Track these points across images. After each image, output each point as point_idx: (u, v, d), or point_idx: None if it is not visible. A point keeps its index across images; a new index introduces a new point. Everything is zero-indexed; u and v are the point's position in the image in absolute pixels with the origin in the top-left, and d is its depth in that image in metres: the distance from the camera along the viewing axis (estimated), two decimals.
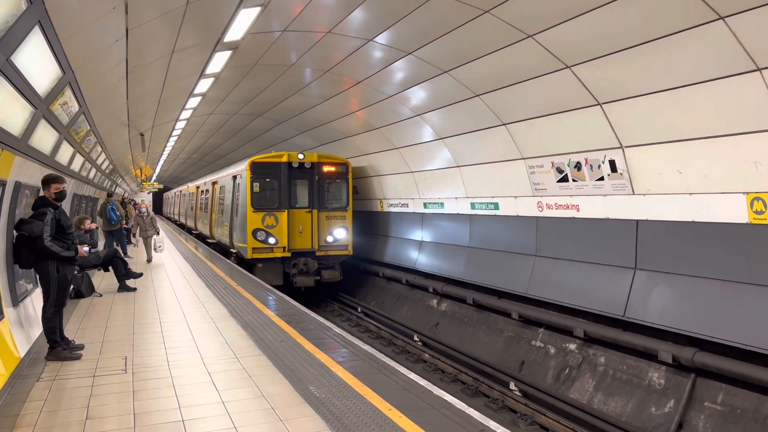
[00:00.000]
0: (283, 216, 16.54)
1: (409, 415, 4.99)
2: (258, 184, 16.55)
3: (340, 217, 17.29)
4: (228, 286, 12.50)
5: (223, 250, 21.44)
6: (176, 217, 46.03)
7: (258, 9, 8.44)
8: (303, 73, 12.93)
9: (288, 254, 16.44)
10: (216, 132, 23.29)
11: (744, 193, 7.18)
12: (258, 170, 16.63)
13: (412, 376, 6.13)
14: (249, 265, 16.63)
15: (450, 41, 9.37)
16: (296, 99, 15.53)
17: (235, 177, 18.54)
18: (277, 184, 16.64)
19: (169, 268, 15.75)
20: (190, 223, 33.46)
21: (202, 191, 27.89)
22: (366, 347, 7.32)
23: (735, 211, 7.35)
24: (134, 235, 18.28)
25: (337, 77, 12.85)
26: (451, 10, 8.29)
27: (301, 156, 16.85)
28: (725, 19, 6.20)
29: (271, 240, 16.30)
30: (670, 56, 7.13)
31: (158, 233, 17.93)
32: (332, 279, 16.90)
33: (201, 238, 27.94)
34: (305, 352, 7.08)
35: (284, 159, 16.74)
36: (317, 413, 5.06)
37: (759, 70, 6.35)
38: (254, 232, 16.20)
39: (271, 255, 16.28)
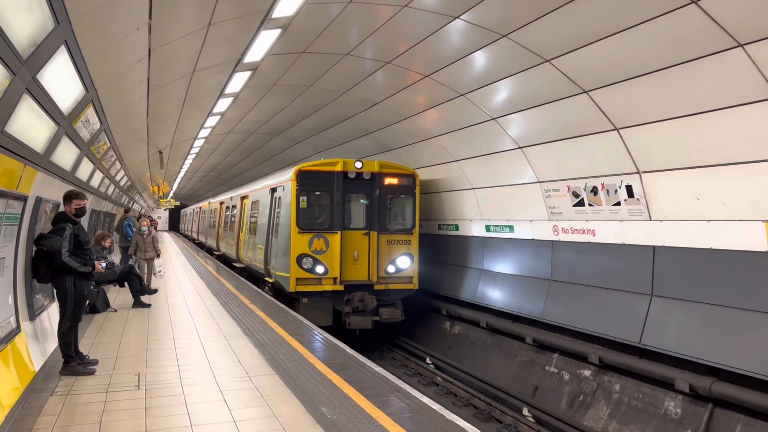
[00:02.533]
0: (335, 239, 13.34)
1: None
2: (305, 198, 13.41)
3: (404, 241, 13.96)
4: (241, 303, 12.51)
5: (252, 276, 18.39)
6: (194, 236, 42.64)
7: (278, 31, 8.58)
8: (320, 94, 13.06)
9: (340, 287, 13.27)
10: (233, 150, 23.54)
11: (763, 221, 7.10)
12: (306, 180, 13.44)
13: (425, 399, 6.08)
14: (290, 299, 13.72)
15: (467, 65, 9.44)
16: (314, 119, 15.68)
17: (274, 190, 15.39)
18: (328, 199, 13.52)
19: (184, 286, 15.79)
20: (212, 243, 29.92)
21: (228, 207, 24.46)
22: (378, 369, 7.28)
23: (754, 239, 7.27)
24: (131, 256, 15.79)
25: (355, 99, 12.97)
26: (469, 35, 8.36)
27: (358, 164, 13.61)
28: (744, 46, 6.20)
29: (320, 269, 13.20)
30: (688, 82, 7.12)
31: (159, 255, 15.53)
32: (392, 319, 13.63)
33: (225, 261, 24.80)
34: (317, 372, 7.05)
35: (338, 167, 13.53)
36: None
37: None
38: (299, 259, 13.10)
39: (319, 288, 13.20)
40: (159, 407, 5.73)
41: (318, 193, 13.63)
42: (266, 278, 15.37)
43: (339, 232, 13.40)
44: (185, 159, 25.65)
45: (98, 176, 12.34)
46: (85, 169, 9.99)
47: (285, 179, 14.19)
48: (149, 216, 40.54)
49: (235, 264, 21.15)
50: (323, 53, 10.13)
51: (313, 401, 5.91)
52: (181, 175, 34.55)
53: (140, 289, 12.01)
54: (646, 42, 7.02)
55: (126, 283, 12.09)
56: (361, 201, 13.89)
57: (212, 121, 15.68)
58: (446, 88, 10.67)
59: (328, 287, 13.25)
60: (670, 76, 7.21)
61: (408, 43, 9.26)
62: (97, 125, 8.36)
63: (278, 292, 14.39)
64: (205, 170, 33.69)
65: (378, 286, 13.61)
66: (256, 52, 9.41)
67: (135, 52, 7.05)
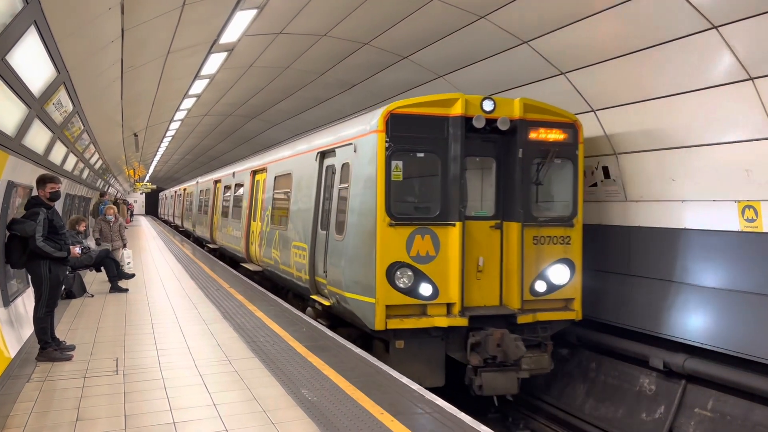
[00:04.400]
0: (452, 236, 7.79)
1: (401, 419, 4.99)
2: (401, 162, 7.79)
3: (559, 239, 8.39)
4: (220, 288, 12.45)
5: (270, 281, 13.43)
6: (177, 221, 36.33)
7: (254, 11, 8.46)
8: (297, 76, 12.94)
9: (463, 321, 7.74)
10: (210, 133, 23.30)
11: (735, 201, 7.23)
12: (403, 133, 7.75)
13: (405, 380, 6.13)
14: (365, 336, 8.50)
15: (446, 46, 9.42)
16: (291, 101, 15.56)
17: (326, 154, 9.57)
18: (438, 166, 7.93)
19: (162, 271, 15.67)
20: (202, 233, 23.83)
21: (227, 187, 18.92)
22: (359, 351, 7.32)
23: (726, 219, 7.40)
24: (99, 239, 13.73)
25: (333, 80, 12.88)
26: (448, 15, 8.33)
27: (488, 104, 7.86)
28: (719, 28, 6.26)
29: (425, 289, 7.73)
30: (663, 64, 7.18)
31: (125, 245, 13.93)
32: (538, 370, 8.21)
33: (221, 255, 19.66)
34: (297, 354, 7.07)
35: (456, 109, 7.77)
36: (309, 416, 5.05)
37: (751, 79, 6.40)
38: (392, 271, 7.63)
39: (424, 322, 7.73)
40: (138, 392, 5.71)
41: (421, 154, 8.01)
42: (314, 296, 9.52)
43: (459, 224, 7.74)
44: (161, 142, 25.35)
45: (72, 160, 12.14)
46: (58, 153, 9.82)
47: (358, 132, 8.34)
48: (124, 200, 40.03)
49: (245, 265, 15.02)
50: (300, 34, 10.03)
51: (294, 383, 5.93)
52: (157, 158, 34.16)
53: (117, 273, 11.89)
54: (623, 24, 7.06)
55: (102, 268, 11.97)
56: (490, 168, 8.44)
57: (188, 103, 15.49)
58: (425, 70, 10.64)
59: (441, 321, 7.71)
60: (646, 57, 7.26)
61: (386, 23, 9.19)
62: (70, 108, 8.21)
63: (336, 320, 9.19)
64: (182, 153, 33.34)
65: (523, 317, 7.97)
66: (232, 33, 9.29)
67: (107, 33, 6.91)
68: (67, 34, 5.74)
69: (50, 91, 6.52)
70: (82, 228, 11.90)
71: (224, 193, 19.45)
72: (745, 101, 6.60)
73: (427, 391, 5.77)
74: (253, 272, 14.01)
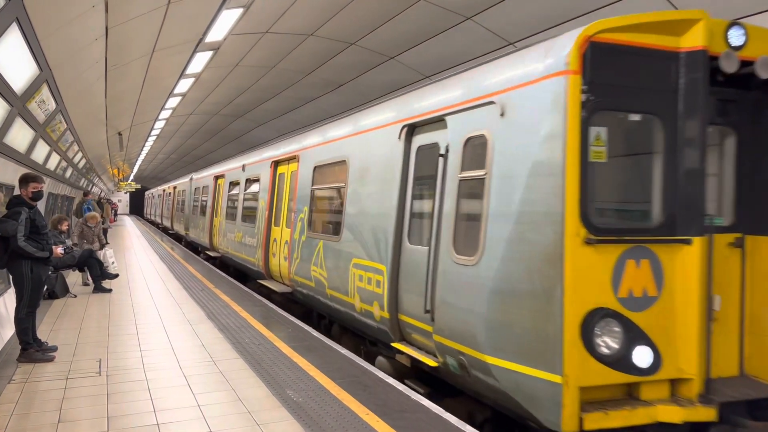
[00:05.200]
0: (686, 260, 4.41)
1: (386, 420, 4.98)
2: (605, 131, 4.36)
3: None
4: (205, 288, 12.38)
5: (298, 303, 10.34)
6: (166, 223, 32.88)
7: (240, 10, 8.43)
8: (284, 75, 12.90)
9: (709, 413, 4.25)
10: (196, 132, 23.18)
11: None
12: (609, 73, 4.32)
13: (391, 381, 6.13)
14: (501, 417, 5.22)
15: (432, 47, 9.44)
16: (277, 101, 15.51)
17: (414, 127, 6.42)
18: (662, 139, 4.52)
19: (146, 270, 15.56)
20: (197, 237, 20.95)
21: (233, 183, 15.37)
22: (344, 351, 7.31)
23: None
24: (76, 245, 12.84)
25: (319, 80, 12.86)
26: (434, 16, 8.35)
27: (737, 35, 4.51)
28: None
29: (642, 356, 4.30)
30: None
31: (102, 246, 13.45)
32: None
33: (224, 266, 16.67)
34: (283, 355, 7.04)
35: (693, 39, 4.40)
36: (294, 417, 5.03)
37: None
38: (590, 325, 4.20)
39: (642, 416, 4.25)
40: (121, 393, 5.66)
41: (636, 117, 4.73)
42: (398, 345, 6.36)
43: (699, 241, 4.42)
44: (146, 141, 25.18)
45: (55, 158, 12.03)
46: (40, 152, 9.73)
47: (514, 78, 4.87)
48: (108, 199, 39.68)
49: (265, 283, 11.32)
50: (286, 33, 10.00)
51: (279, 384, 5.91)
52: (142, 157, 33.94)
53: (101, 273, 11.78)
54: None
55: (86, 268, 11.86)
56: (721, 144, 5.10)
57: (173, 102, 15.40)
58: (411, 70, 10.65)
59: (672, 413, 4.32)
60: None
61: (373, 23, 9.19)
62: (53, 106, 8.13)
63: (442, 385, 6.01)
64: (167, 152, 33.14)
65: None
66: (217, 32, 9.26)
67: (91, 31, 6.85)
68: (50, 31, 5.68)
69: (32, 89, 6.45)
70: (64, 228, 11.78)
71: (230, 190, 15.81)
72: None
73: (413, 392, 5.77)
74: (279, 293, 10.58)
